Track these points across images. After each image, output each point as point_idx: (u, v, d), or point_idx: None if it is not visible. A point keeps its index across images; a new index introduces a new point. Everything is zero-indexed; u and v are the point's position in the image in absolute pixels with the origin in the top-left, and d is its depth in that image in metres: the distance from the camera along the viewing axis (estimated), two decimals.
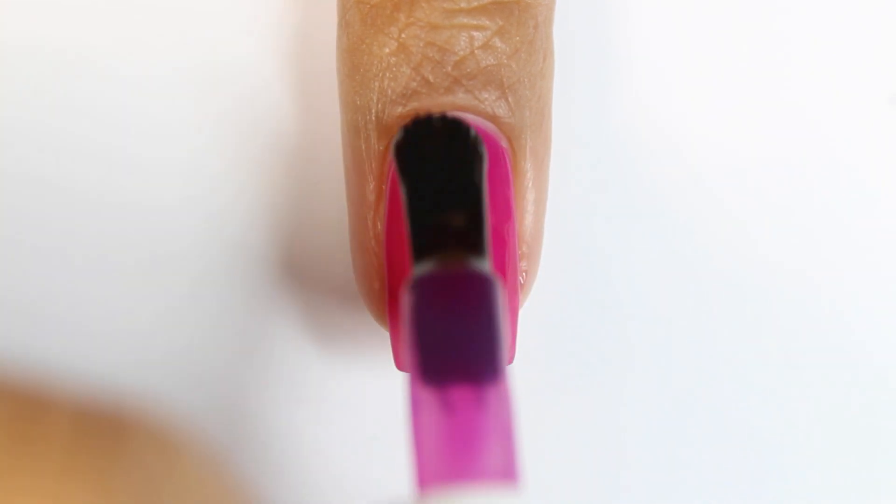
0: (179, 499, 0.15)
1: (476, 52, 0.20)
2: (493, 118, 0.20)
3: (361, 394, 0.23)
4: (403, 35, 0.20)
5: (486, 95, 0.20)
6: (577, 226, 0.23)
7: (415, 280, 0.18)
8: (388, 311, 0.20)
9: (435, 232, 0.18)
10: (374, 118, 0.20)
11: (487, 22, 0.20)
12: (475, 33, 0.20)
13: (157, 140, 0.23)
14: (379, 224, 0.20)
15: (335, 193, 0.23)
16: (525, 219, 0.21)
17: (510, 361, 0.20)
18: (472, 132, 0.19)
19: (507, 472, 0.16)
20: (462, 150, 0.19)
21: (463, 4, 0.20)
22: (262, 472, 0.24)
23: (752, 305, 0.24)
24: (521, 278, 0.21)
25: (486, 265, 0.18)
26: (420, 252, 0.18)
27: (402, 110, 0.20)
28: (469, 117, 0.20)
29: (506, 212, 0.20)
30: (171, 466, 0.15)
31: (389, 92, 0.20)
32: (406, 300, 0.17)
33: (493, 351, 0.17)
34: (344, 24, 0.21)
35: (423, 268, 0.18)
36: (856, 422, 0.24)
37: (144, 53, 0.23)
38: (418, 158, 0.19)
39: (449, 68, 0.20)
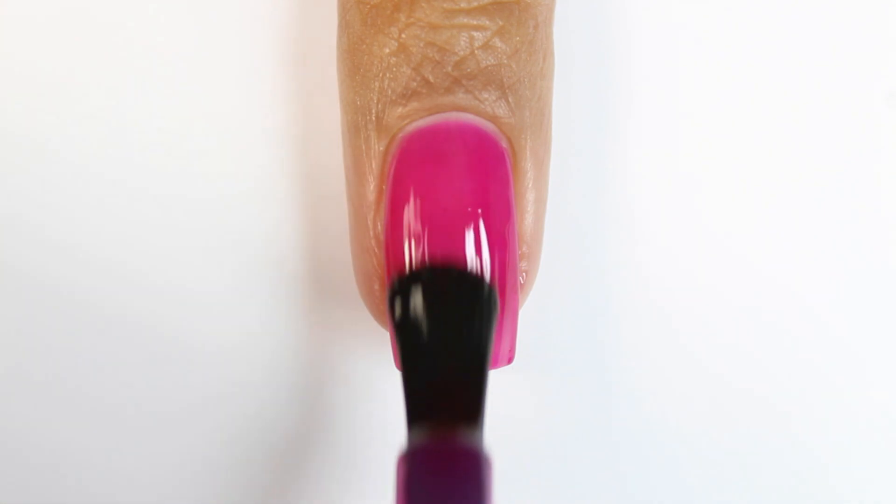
0: None
1: (476, 52, 0.20)
2: (494, 118, 0.20)
3: (361, 394, 0.23)
4: (403, 35, 0.20)
5: (487, 95, 0.20)
6: (577, 226, 0.23)
7: (407, 451, 0.17)
8: (387, 310, 0.20)
9: (431, 398, 0.18)
10: (374, 118, 0.20)
11: (487, 22, 0.20)
12: (475, 33, 0.20)
13: (156, 140, 0.23)
14: (379, 224, 0.20)
15: (335, 193, 0.23)
16: (525, 219, 0.21)
17: (510, 361, 0.21)
18: (486, 287, 0.18)
19: None
20: (471, 309, 0.18)
21: (463, 4, 0.20)
22: (261, 471, 0.24)
23: (751, 305, 0.24)
24: (521, 278, 0.21)
25: (479, 435, 0.17)
26: (414, 417, 0.17)
27: (403, 110, 0.20)
28: (470, 117, 0.20)
29: (506, 212, 0.20)
30: None
31: (390, 92, 0.20)
32: (398, 469, 0.17)
33: None
34: (344, 25, 0.21)
35: (416, 437, 0.17)
36: (856, 422, 0.24)
37: (144, 53, 0.23)
38: (419, 313, 0.18)
39: (449, 68, 0.20)
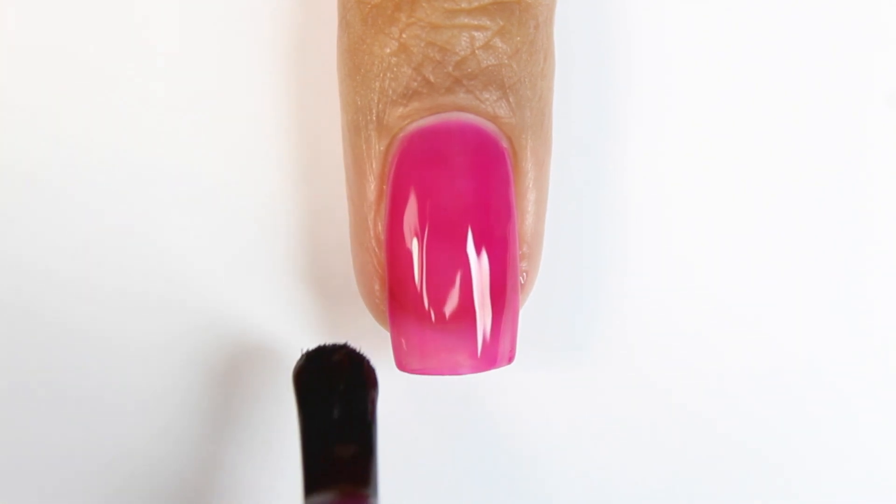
0: None
1: (477, 52, 0.20)
2: (494, 118, 0.20)
3: None
4: (404, 35, 0.20)
5: (487, 95, 0.20)
6: (577, 226, 0.23)
7: None
8: (388, 310, 0.20)
9: (325, 465, 0.19)
10: (374, 118, 0.20)
11: (488, 22, 0.20)
12: (476, 33, 0.20)
13: (155, 141, 0.23)
14: (379, 224, 0.20)
15: (335, 193, 0.23)
16: (525, 219, 0.21)
17: (510, 361, 0.21)
18: (367, 363, 0.20)
19: None
20: (356, 382, 0.20)
21: (464, 4, 0.20)
22: (261, 471, 0.24)
23: (751, 305, 0.24)
24: (521, 278, 0.21)
25: (374, 499, 0.19)
26: (311, 485, 0.19)
27: (403, 110, 0.20)
28: (470, 117, 0.20)
29: (506, 212, 0.20)
30: None
31: (390, 92, 0.20)
32: None
33: None
34: (344, 24, 0.21)
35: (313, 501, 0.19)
36: (855, 421, 0.24)
37: (144, 53, 0.23)
38: (312, 388, 0.20)
39: (450, 68, 0.20)
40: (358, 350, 0.21)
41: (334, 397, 0.20)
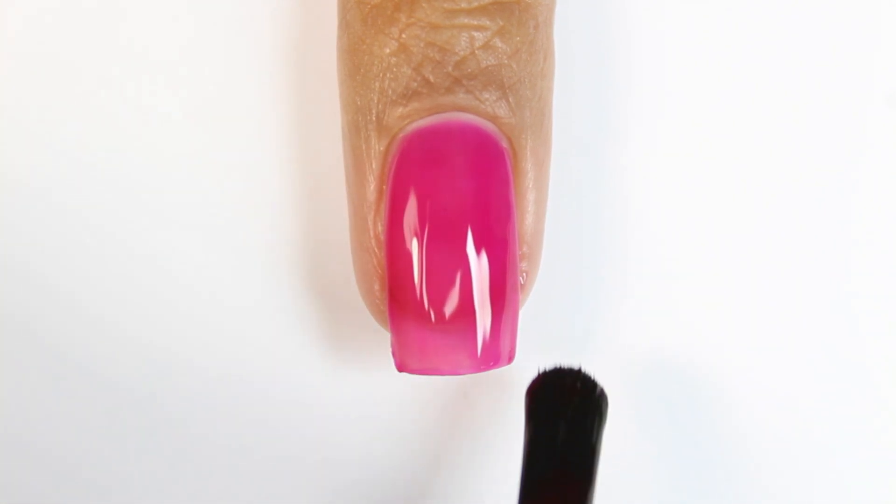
0: None
1: (477, 52, 0.20)
2: (494, 118, 0.20)
3: (361, 394, 0.23)
4: (404, 35, 0.20)
5: (487, 96, 0.20)
6: (577, 226, 0.23)
7: None
8: (388, 311, 0.20)
9: (544, 488, 0.19)
10: (374, 118, 0.20)
11: (488, 22, 0.20)
12: (476, 33, 0.20)
13: (155, 141, 0.23)
14: (379, 225, 0.20)
15: (335, 194, 0.23)
16: (525, 219, 0.21)
17: (510, 361, 0.21)
18: (599, 389, 0.20)
19: None
20: (592, 414, 0.20)
21: (463, 5, 0.20)
22: (261, 471, 0.24)
23: (751, 305, 0.24)
24: (521, 278, 0.21)
25: None
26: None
27: (403, 110, 0.20)
28: (470, 117, 0.20)
29: (506, 212, 0.20)
30: None
31: (390, 92, 0.20)
32: None
33: None
34: (344, 25, 0.21)
35: None
36: (854, 421, 0.24)
37: (144, 53, 0.23)
38: (553, 408, 0.20)
39: (450, 68, 0.20)
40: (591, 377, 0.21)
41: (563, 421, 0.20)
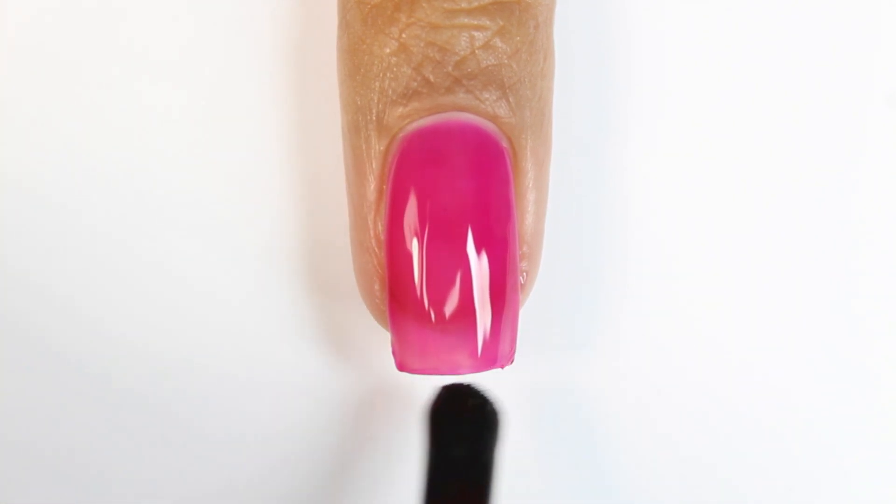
0: None
1: (477, 52, 0.20)
2: (494, 118, 0.20)
3: (361, 393, 0.23)
4: (404, 35, 0.20)
5: (487, 95, 0.20)
6: (577, 226, 0.23)
7: None
8: (388, 310, 0.20)
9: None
10: (374, 118, 0.20)
11: (488, 22, 0.20)
12: (476, 33, 0.20)
13: (155, 141, 0.23)
14: (379, 224, 0.20)
15: (335, 194, 0.23)
16: (525, 219, 0.21)
17: (510, 361, 0.21)
18: (491, 406, 0.20)
19: None
20: (488, 426, 0.20)
21: (464, 4, 0.20)
22: (261, 470, 0.24)
23: (751, 305, 0.24)
24: (521, 278, 0.21)
25: None
26: None
27: (403, 110, 0.20)
28: (470, 117, 0.20)
29: (506, 212, 0.20)
30: None
31: (390, 92, 0.20)
32: None
33: None
34: (344, 25, 0.21)
35: None
36: (855, 421, 0.24)
37: (144, 53, 0.23)
38: (448, 426, 0.20)
39: (450, 68, 0.20)
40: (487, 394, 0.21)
41: (462, 438, 0.20)
